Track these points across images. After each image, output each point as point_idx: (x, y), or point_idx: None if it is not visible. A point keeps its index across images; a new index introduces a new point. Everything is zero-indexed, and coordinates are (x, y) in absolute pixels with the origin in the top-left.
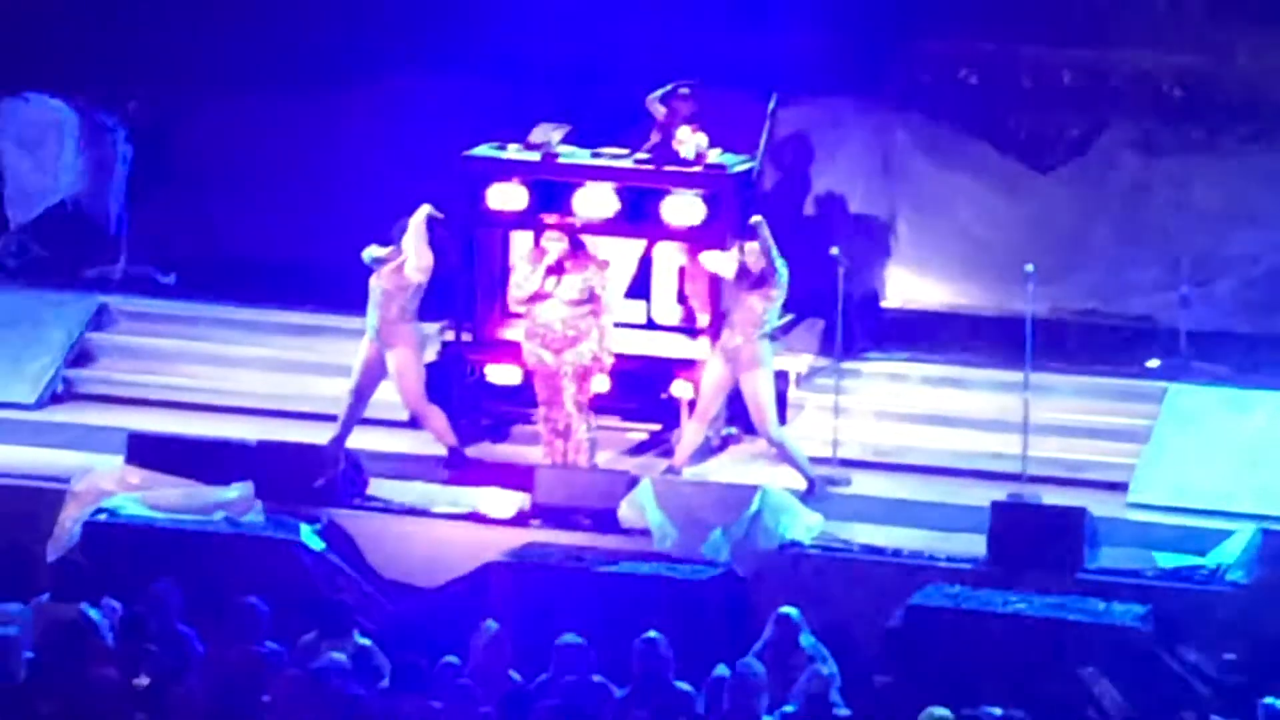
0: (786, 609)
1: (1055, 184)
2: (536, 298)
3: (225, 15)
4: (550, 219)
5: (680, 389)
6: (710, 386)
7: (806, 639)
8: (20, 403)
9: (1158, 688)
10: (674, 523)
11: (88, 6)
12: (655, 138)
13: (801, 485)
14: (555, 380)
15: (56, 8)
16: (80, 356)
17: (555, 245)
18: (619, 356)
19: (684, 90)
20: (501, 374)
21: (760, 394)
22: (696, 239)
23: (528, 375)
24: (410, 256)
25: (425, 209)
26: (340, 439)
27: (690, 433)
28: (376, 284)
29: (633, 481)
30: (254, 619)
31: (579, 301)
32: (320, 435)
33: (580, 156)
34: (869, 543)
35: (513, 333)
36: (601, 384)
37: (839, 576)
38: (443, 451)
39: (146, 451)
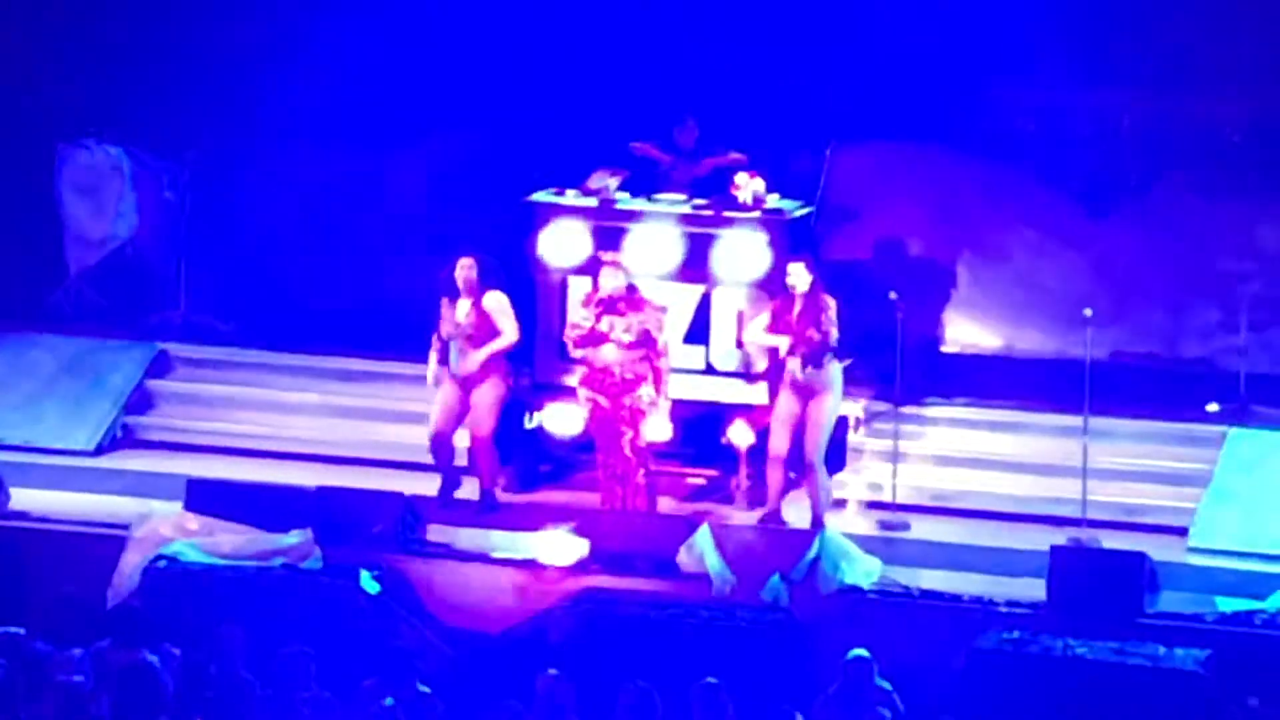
0: (858, 651)
1: (1114, 229)
2: (593, 338)
3: (282, 64)
4: (607, 256)
5: (738, 434)
6: (784, 425)
7: (878, 683)
8: (80, 449)
9: None
10: (733, 568)
11: (147, 54)
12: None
13: (852, 528)
14: (613, 425)
15: (116, 56)
16: (139, 403)
17: (611, 280)
18: (677, 402)
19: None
20: (560, 420)
21: (822, 418)
22: (755, 284)
23: (587, 421)
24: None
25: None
26: (488, 489)
27: (772, 476)
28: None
29: (691, 527)
30: (313, 667)
31: (635, 344)
32: (379, 481)
33: (638, 202)
34: (928, 587)
35: (572, 379)
36: (664, 431)
37: (898, 621)
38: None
39: (206, 497)
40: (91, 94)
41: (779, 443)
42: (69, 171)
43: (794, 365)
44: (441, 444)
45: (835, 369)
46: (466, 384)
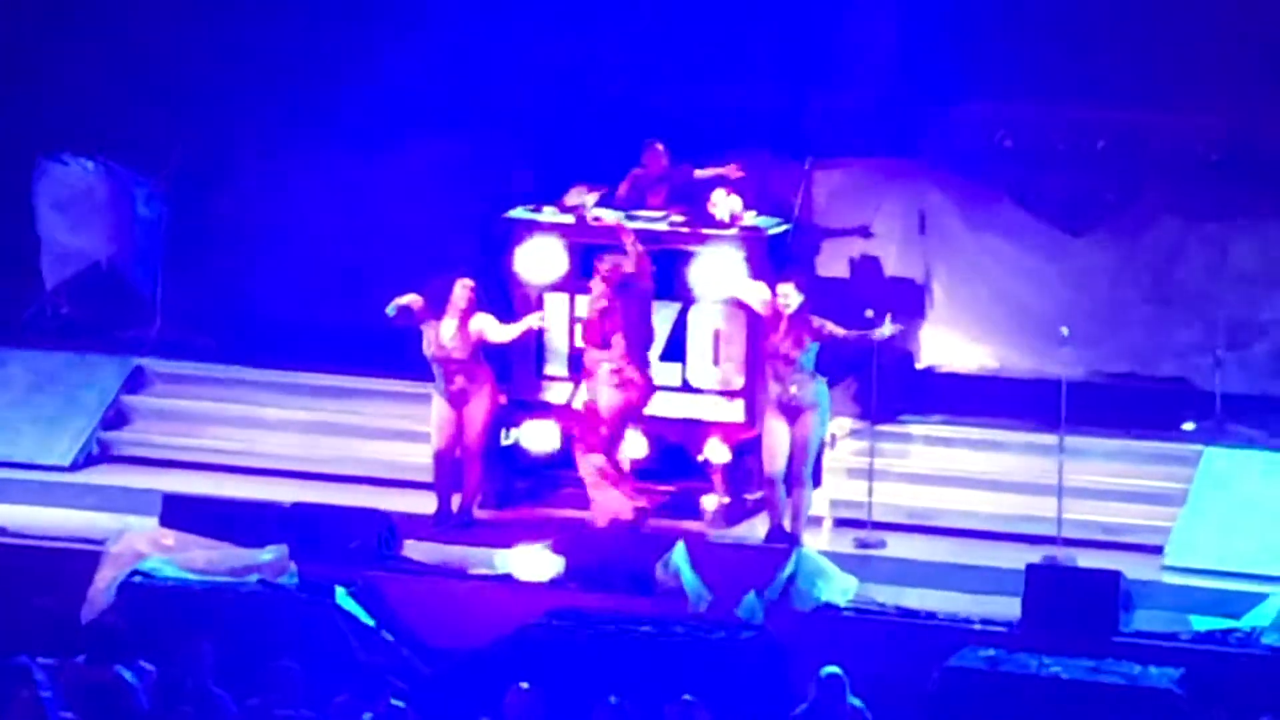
0: (831, 669)
1: (1091, 247)
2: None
3: (260, 80)
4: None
5: (714, 451)
6: (778, 445)
7: (851, 700)
8: (56, 464)
9: None
10: (708, 584)
11: (124, 69)
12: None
13: (828, 546)
14: (604, 426)
15: (93, 70)
16: (115, 418)
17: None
18: (653, 419)
19: (658, 146)
20: (537, 437)
21: (810, 434)
22: (731, 302)
23: (564, 439)
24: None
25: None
26: (467, 505)
27: (772, 496)
28: (436, 364)
29: (667, 543)
30: (288, 683)
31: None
32: (357, 498)
33: (615, 218)
34: (904, 605)
35: (550, 395)
36: (639, 448)
37: (874, 639)
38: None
39: (181, 513)
40: (68, 108)
41: (771, 463)
42: (45, 186)
43: (776, 386)
44: (443, 463)
45: (821, 386)
46: (458, 400)
